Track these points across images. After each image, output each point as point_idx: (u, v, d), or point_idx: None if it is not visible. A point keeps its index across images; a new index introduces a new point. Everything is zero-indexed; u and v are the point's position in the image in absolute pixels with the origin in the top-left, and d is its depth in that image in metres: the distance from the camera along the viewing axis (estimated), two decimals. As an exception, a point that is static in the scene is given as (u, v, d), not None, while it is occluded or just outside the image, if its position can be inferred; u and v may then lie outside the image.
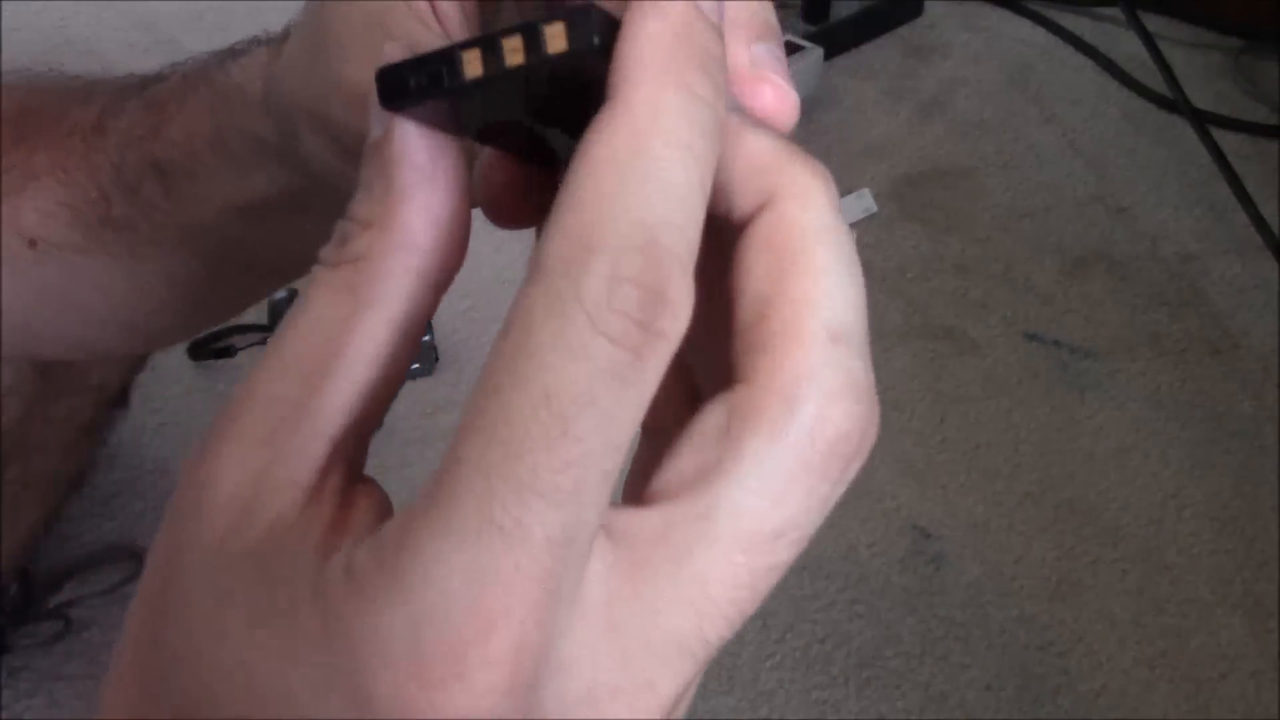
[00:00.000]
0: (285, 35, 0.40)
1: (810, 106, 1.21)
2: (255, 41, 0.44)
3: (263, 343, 0.95)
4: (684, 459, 0.25)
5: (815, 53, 1.19)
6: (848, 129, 1.21)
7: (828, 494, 0.25)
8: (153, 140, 0.46)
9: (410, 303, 0.26)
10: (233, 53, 0.45)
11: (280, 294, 0.98)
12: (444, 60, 0.25)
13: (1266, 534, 0.85)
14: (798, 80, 1.21)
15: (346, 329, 0.25)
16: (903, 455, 0.90)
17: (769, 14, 0.29)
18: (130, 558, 0.79)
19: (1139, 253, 1.08)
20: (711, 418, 0.25)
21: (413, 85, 0.25)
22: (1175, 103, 1.16)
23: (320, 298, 0.26)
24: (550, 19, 0.24)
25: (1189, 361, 0.98)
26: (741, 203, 0.27)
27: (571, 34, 0.24)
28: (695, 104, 0.24)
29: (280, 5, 0.38)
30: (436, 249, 0.26)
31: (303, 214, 0.44)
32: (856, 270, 0.27)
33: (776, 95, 0.29)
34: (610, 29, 0.25)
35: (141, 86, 0.48)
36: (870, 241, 1.07)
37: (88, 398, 0.79)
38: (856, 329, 0.26)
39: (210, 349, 0.96)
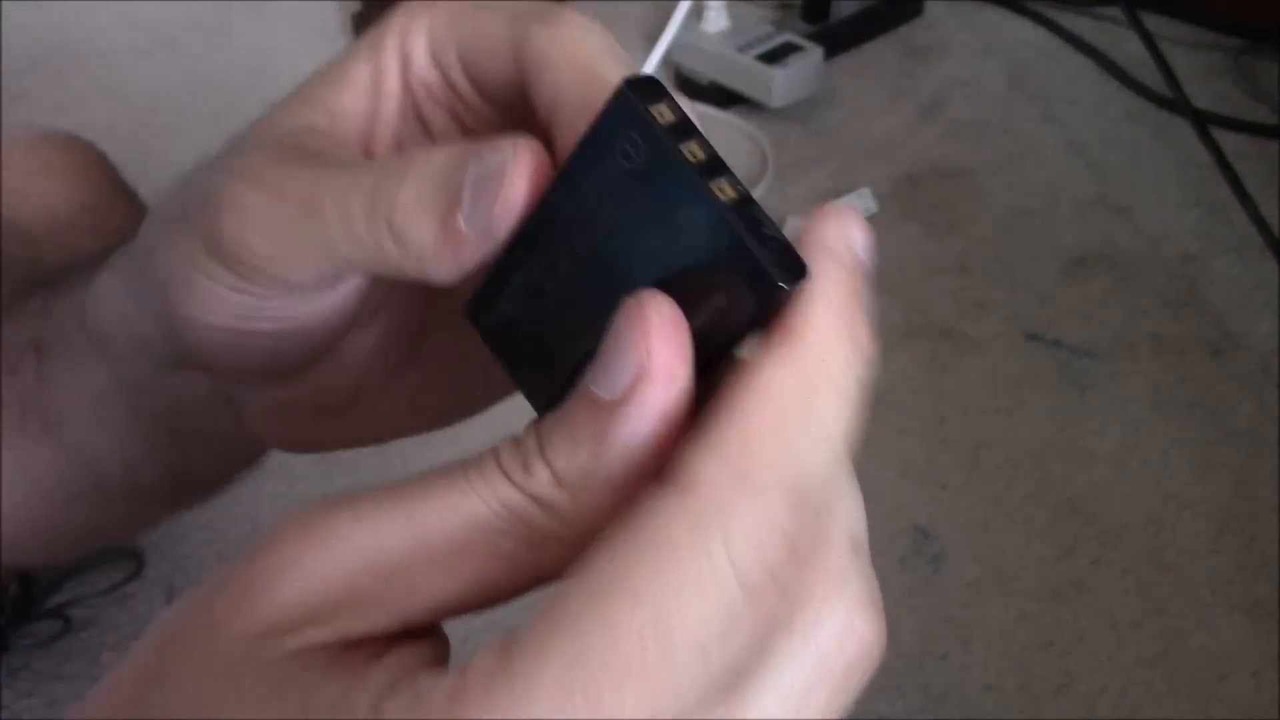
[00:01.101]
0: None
1: (810, 106, 1.21)
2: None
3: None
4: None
5: (815, 53, 1.19)
6: (848, 129, 1.21)
7: (844, 703, 0.26)
8: (39, 319, 0.45)
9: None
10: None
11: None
12: None
13: (1266, 534, 0.85)
14: (797, 80, 1.22)
15: (499, 559, 0.24)
16: (903, 455, 0.90)
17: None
18: (130, 558, 0.79)
19: (1139, 253, 1.08)
20: None
21: None
22: (1175, 103, 1.16)
23: (475, 499, 0.24)
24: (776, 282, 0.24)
25: (1189, 361, 0.98)
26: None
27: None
28: (858, 356, 0.24)
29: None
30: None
31: (141, 416, 0.43)
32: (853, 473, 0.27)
33: None
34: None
35: (59, 274, 0.47)
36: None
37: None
38: (866, 535, 0.27)
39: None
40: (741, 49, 1.19)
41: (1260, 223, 1.05)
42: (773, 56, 1.18)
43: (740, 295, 0.24)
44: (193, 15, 1.35)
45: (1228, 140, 1.12)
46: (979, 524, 0.85)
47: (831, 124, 1.21)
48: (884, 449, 0.90)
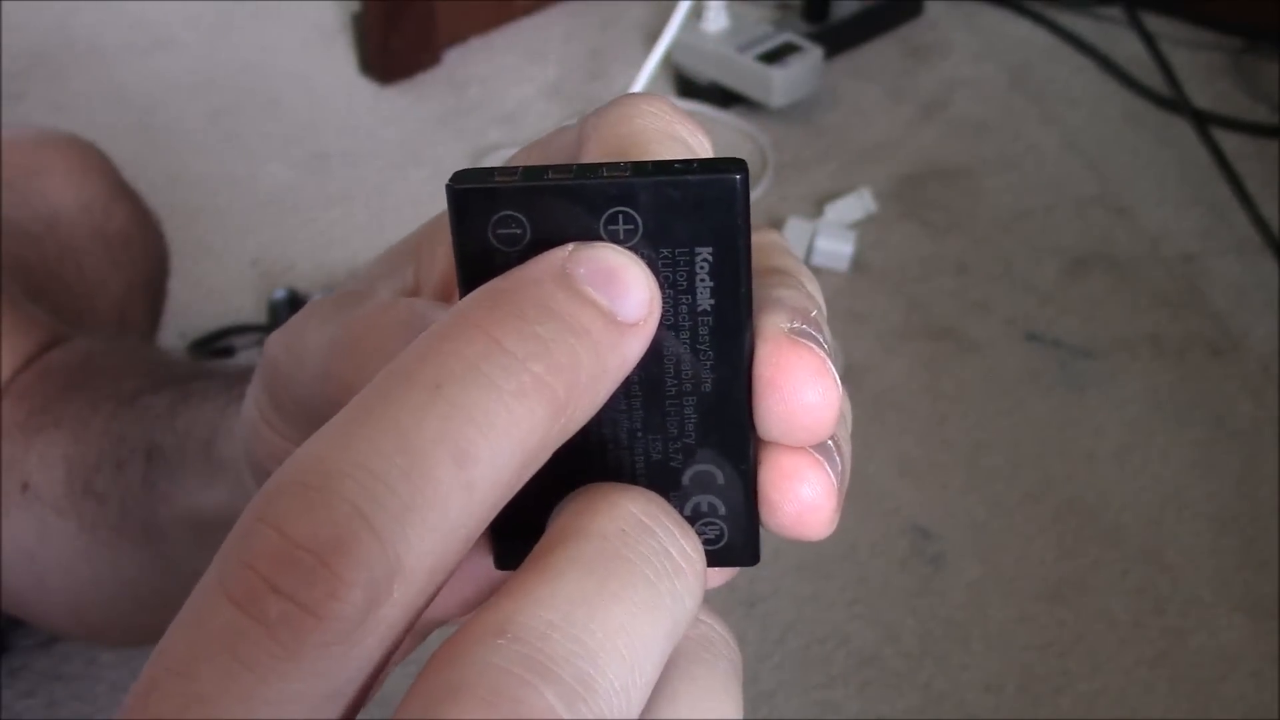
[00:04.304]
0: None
1: (810, 106, 1.21)
2: None
3: (260, 344, 0.95)
4: None
5: (815, 53, 1.19)
6: (848, 129, 1.21)
7: None
8: (161, 423, 0.44)
9: None
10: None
11: (279, 294, 0.98)
12: None
13: (1266, 534, 0.85)
14: (797, 80, 1.22)
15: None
16: (903, 455, 0.90)
17: (823, 319, 0.24)
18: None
19: (1139, 253, 1.08)
20: None
21: None
22: (1175, 103, 1.16)
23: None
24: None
25: (1189, 361, 0.98)
26: None
27: None
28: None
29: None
30: None
31: None
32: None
33: (815, 371, 0.22)
34: None
35: (194, 374, 0.46)
36: (870, 241, 1.07)
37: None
38: None
39: (210, 349, 0.96)
40: (741, 49, 1.19)
41: (1260, 223, 1.05)
42: (773, 56, 1.18)
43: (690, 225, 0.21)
44: (193, 15, 1.35)
45: (1228, 140, 1.12)
46: (979, 524, 0.85)
47: (831, 124, 1.21)
48: (884, 449, 0.90)
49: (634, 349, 0.20)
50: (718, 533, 0.23)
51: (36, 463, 0.48)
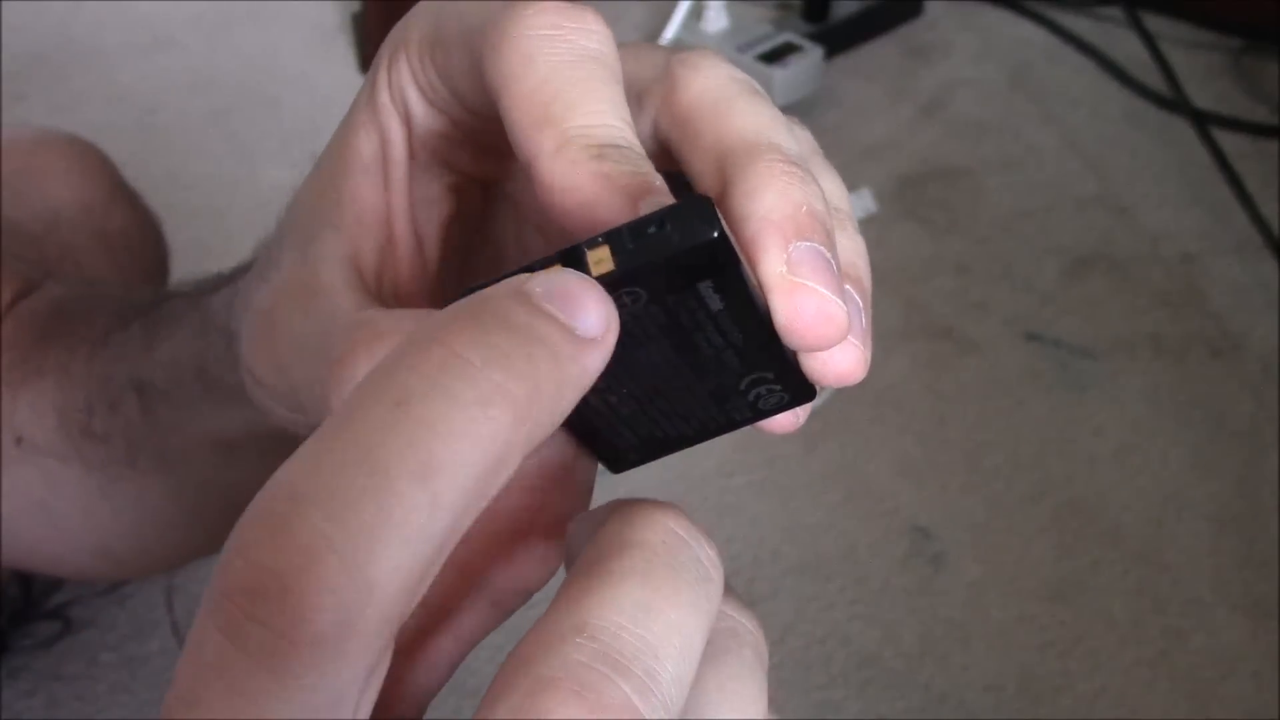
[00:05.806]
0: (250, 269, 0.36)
1: (810, 106, 1.21)
2: (240, 271, 0.40)
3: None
4: None
5: (815, 53, 1.19)
6: (848, 129, 1.21)
7: None
8: (141, 358, 0.44)
9: None
10: (222, 280, 0.41)
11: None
12: None
13: (1266, 534, 0.85)
14: (797, 80, 1.21)
15: None
16: (903, 455, 0.90)
17: (814, 201, 0.25)
18: (130, 558, 0.79)
19: (1139, 253, 1.08)
20: None
21: None
22: (1175, 103, 1.16)
23: None
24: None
25: (1189, 361, 0.98)
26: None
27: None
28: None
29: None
30: None
31: (276, 457, 0.42)
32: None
33: (819, 309, 0.24)
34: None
35: (157, 302, 0.46)
36: (870, 241, 1.07)
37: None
38: None
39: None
40: (741, 49, 1.19)
41: (1260, 223, 1.05)
42: (773, 56, 1.18)
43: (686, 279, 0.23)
44: (193, 15, 1.35)
45: (1228, 140, 1.12)
46: (979, 524, 0.85)
47: (831, 124, 1.21)
48: (884, 449, 0.90)
49: (594, 361, 0.21)
50: (779, 395, 0.27)
51: (27, 414, 0.48)
